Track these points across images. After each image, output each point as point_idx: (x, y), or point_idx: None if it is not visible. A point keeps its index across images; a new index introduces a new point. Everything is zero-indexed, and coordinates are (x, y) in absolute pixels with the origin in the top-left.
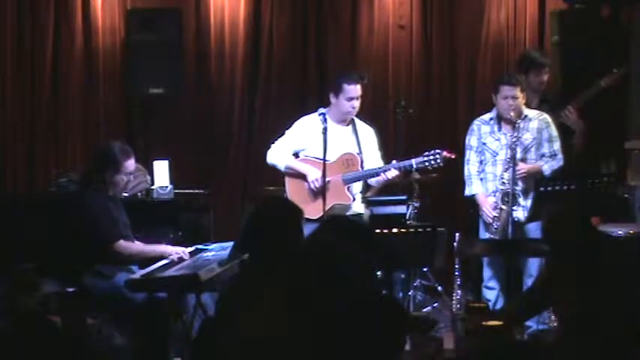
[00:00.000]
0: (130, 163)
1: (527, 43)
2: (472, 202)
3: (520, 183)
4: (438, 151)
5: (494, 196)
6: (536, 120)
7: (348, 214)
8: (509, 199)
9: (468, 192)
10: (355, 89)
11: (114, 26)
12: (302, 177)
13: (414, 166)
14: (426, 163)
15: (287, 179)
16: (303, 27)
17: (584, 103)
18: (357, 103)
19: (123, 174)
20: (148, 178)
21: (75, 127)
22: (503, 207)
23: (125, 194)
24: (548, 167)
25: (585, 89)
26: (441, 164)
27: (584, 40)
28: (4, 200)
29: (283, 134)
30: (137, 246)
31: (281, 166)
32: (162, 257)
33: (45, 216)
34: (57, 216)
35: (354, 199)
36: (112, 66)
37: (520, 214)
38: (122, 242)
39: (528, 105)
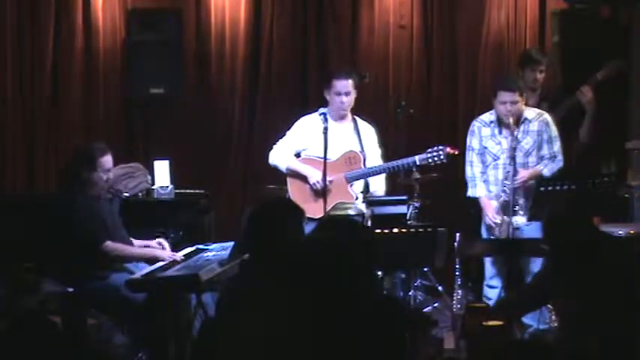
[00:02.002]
0: (107, 160)
1: (528, 43)
2: (473, 203)
3: (521, 194)
4: (441, 147)
5: (497, 200)
6: (536, 122)
7: (351, 212)
8: (509, 209)
9: (471, 193)
10: (343, 84)
11: (114, 26)
12: (304, 178)
13: (418, 162)
14: (430, 160)
15: (289, 179)
16: (303, 27)
17: (598, 82)
18: (345, 99)
19: (100, 171)
20: (149, 177)
21: (75, 127)
22: (504, 217)
23: (126, 194)
24: (547, 170)
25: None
26: (444, 160)
27: (584, 40)
28: (4, 200)
29: (285, 135)
30: (126, 248)
31: (282, 168)
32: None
33: (42, 216)
34: (47, 217)
35: (357, 198)
36: (112, 66)
37: (520, 220)
38: (109, 243)
39: (525, 103)
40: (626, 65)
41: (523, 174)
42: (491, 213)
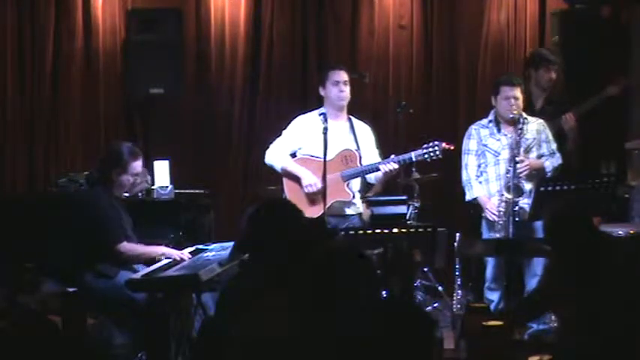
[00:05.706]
0: (138, 164)
1: (528, 43)
2: (472, 203)
3: (524, 178)
4: (436, 142)
5: (499, 193)
6: (535, 123)
7: (348, 211)
8: (511, 189)
9: (469, 196)
10: (340, 74)
11: (114, 26)
12: (298, 179)
13: (414, 158)
14: (426, 156)
15: (284, 180)
16: (303, 27)
17: (585, 111)
18: (344, 88)
19: (129, 174)
20: (149, 178)
21: (75, 127)
22: (508, 195)
23: (126, 194)
24: (549, 164)
25: (591, 96)
26: (440, 156)
27: (584, 40)
28: (4, 200)
29: (281, 134)
30: (140, 247)
31: (277, 168)
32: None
33: (48, 215)
34: (61, 215)
35: (354, 196)
36: (112, 66)
37: (525, 201)
38: (126, 243)
39: (534, 104)
40: (632, 80)
41: (527, 161)
42: (491, 206)
